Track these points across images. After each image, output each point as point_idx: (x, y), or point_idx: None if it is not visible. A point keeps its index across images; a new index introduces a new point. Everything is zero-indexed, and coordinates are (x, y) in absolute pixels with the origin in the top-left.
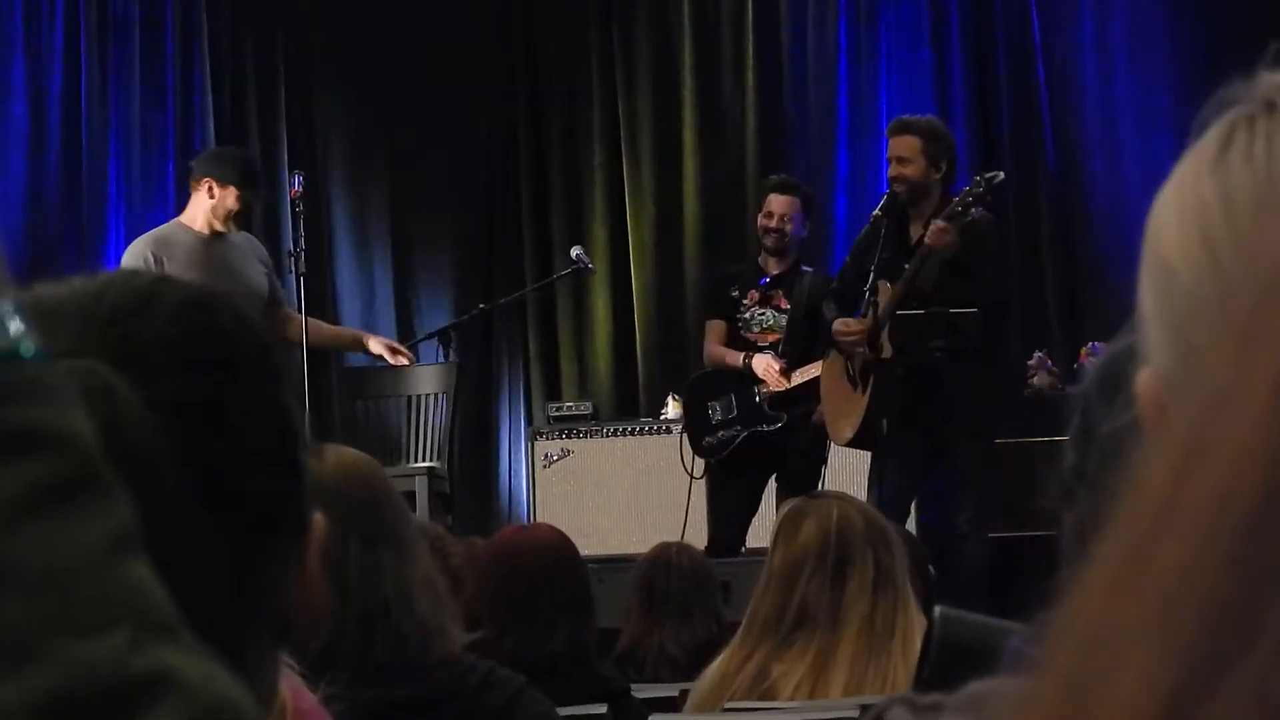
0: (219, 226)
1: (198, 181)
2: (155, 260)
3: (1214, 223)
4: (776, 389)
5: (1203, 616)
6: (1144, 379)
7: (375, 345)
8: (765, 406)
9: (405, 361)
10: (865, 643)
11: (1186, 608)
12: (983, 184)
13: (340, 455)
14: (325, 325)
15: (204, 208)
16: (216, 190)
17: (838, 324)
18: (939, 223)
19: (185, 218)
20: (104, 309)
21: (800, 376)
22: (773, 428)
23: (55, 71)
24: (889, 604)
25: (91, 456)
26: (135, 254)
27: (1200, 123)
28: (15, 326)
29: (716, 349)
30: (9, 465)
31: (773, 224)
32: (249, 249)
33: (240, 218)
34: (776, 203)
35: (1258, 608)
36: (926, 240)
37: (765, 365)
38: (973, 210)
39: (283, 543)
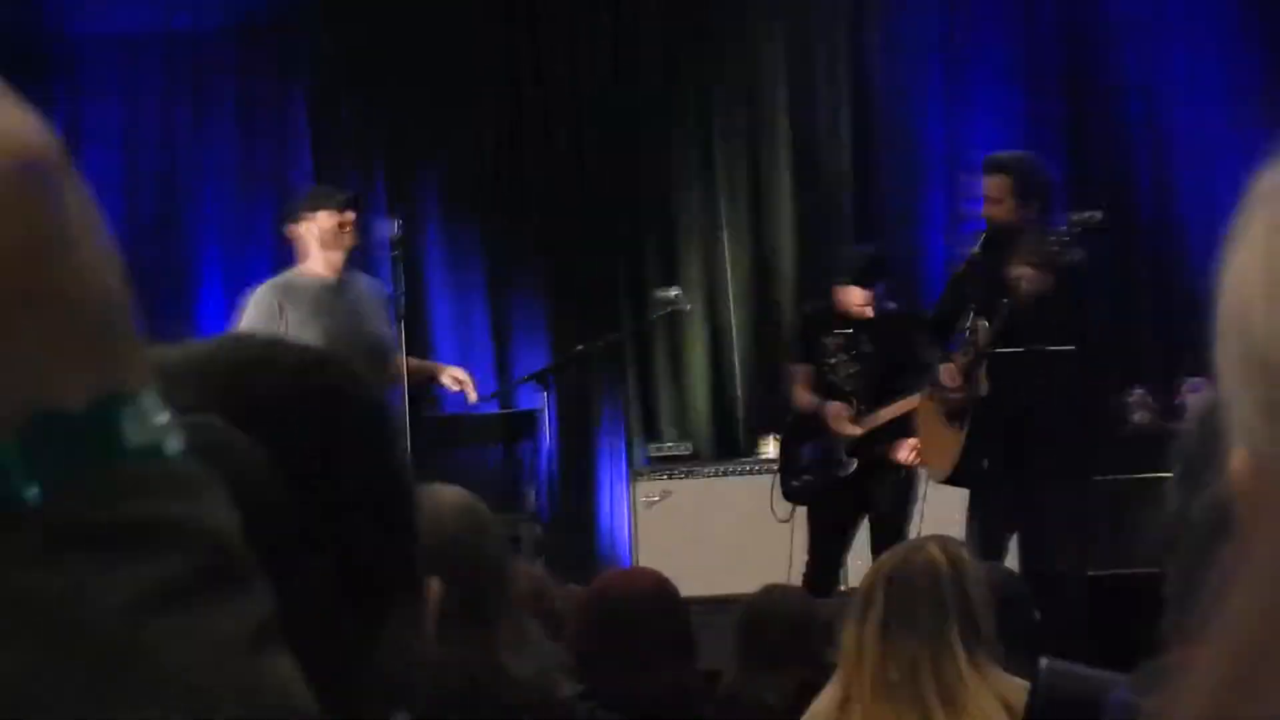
0: (336, 258)
1: (293, 228)
2: (279, 308)
3: None
4: (849, 435)
5: None
6: (1238, 463)
7: (446, 378)
8: (840, 453)
9: (472, 396)
10: (882, 692)
11: None
12: (1078, 225)
13: (429, 512)
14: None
15: (311, 248)
16: (311, 226)
17: (944, 373)
18: (1025, 270)
19: (301, 266)
20: (221, 369)
21: (872, 422)
22: (845, 473)
23: (150, 113)
24: (906, 651)
25: (232, 550)
26: (261, 300)
27: (1262, 192)
28: (159, 421)
29: (801, 396)
30: (151, 557)
31: (861, 315)
32: (373, 294)
33: (347, 232)
34: (859, 295)
35: None
36: (1014, 284)
37: (834, 413)
38: (1068, 252)
39: (397, 603)
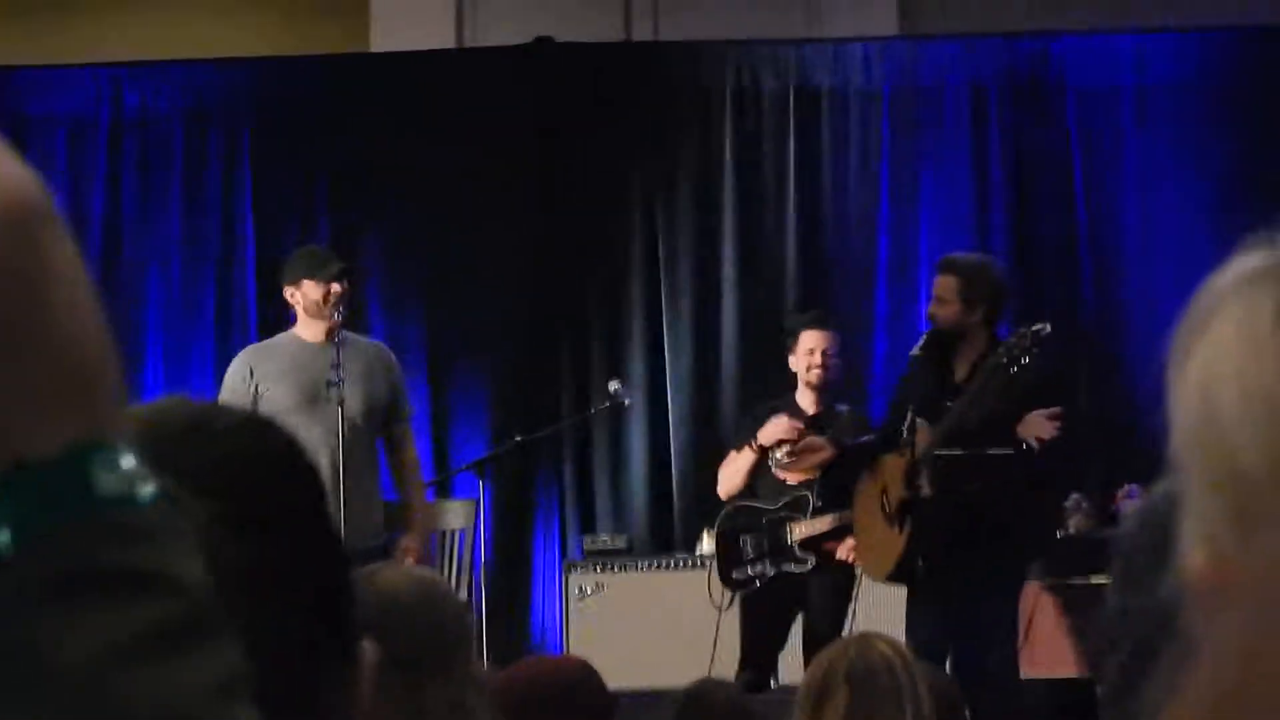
0: (319, 328)
1: (285, 291)
2: (250, 372)
3: None
4: (791, 441)
5: None
6: (1198, 565)
7: (408, 549)
8: (796, 548)
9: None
10: None
11: None
12: (1028, 337)
13: (385, 585)
14: (414, 484)
15: (300, 315)
16: (295, 293)
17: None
18: (1039, 424)
19: (291, 330)
20: (163, 432)
21: (819, 526)
22: (799, 570)
23: (96, 195)
24: None
25: (203, 601)
26: (232, 368)
27: (1220, 293)
28: (132, 470)
29: (727, 466)
30: (123, 607)
31: (817, 361)
32: (370, 359)
33: (335, 302)
34: (815, 339)
35: None
36: (1035, 439)
37: (780, 426)
38: (1021, 361)
39: (331, 668)
